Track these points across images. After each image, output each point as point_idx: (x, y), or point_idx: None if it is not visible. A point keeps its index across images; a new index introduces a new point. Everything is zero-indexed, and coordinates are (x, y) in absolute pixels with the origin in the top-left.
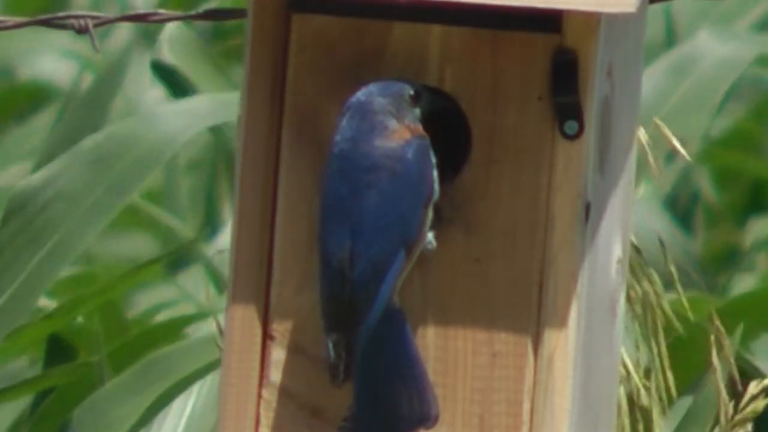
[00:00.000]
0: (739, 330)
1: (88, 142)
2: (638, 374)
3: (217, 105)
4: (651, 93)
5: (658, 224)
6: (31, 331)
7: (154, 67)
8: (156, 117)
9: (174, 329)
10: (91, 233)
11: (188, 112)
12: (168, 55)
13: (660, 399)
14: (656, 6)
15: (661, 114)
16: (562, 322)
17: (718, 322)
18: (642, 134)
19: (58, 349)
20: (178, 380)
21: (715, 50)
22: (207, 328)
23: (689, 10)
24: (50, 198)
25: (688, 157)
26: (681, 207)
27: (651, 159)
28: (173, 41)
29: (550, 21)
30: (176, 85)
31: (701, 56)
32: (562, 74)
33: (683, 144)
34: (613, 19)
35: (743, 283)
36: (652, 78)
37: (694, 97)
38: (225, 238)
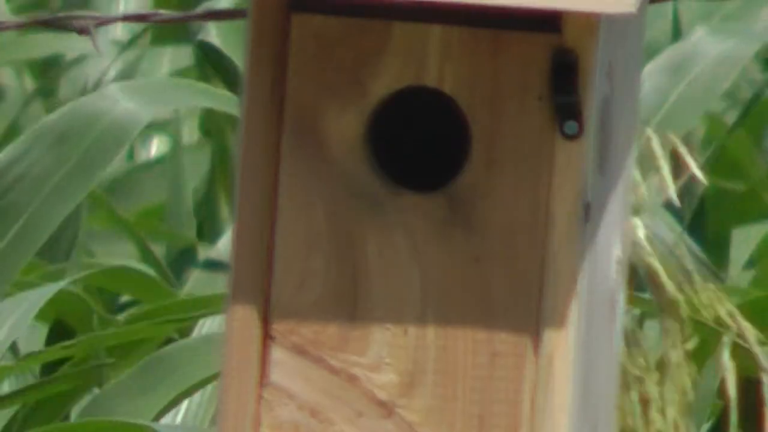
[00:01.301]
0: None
1: (50, 119)
2: (649, 375)
3: (180, 87)
4: (649, 93)
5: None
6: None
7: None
8: (117, 93)
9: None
10: (57, 216)
11: (147, 90)
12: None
13: (680, 399)
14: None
15: (659, 115)
16: (561, 322)
17: (739, 317)
18: (653, 141)
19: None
20: (199, 380)
21: (713, 48)
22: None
23: (695, 9)
24: (14, 179)
25: (705, 182)
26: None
27: (664, 173)
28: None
29: (550, 21)
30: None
31: (699, 54)
32: (562, 74)
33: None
34: (613, 19)
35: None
36: (649, 77)
37: (691, 98)
38: (226, 240)
